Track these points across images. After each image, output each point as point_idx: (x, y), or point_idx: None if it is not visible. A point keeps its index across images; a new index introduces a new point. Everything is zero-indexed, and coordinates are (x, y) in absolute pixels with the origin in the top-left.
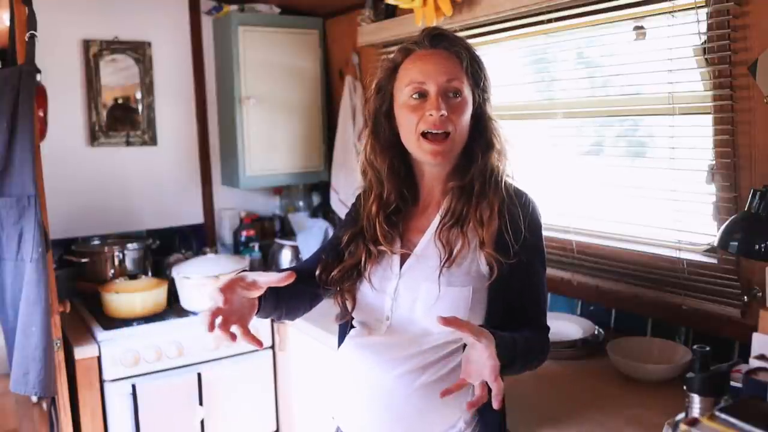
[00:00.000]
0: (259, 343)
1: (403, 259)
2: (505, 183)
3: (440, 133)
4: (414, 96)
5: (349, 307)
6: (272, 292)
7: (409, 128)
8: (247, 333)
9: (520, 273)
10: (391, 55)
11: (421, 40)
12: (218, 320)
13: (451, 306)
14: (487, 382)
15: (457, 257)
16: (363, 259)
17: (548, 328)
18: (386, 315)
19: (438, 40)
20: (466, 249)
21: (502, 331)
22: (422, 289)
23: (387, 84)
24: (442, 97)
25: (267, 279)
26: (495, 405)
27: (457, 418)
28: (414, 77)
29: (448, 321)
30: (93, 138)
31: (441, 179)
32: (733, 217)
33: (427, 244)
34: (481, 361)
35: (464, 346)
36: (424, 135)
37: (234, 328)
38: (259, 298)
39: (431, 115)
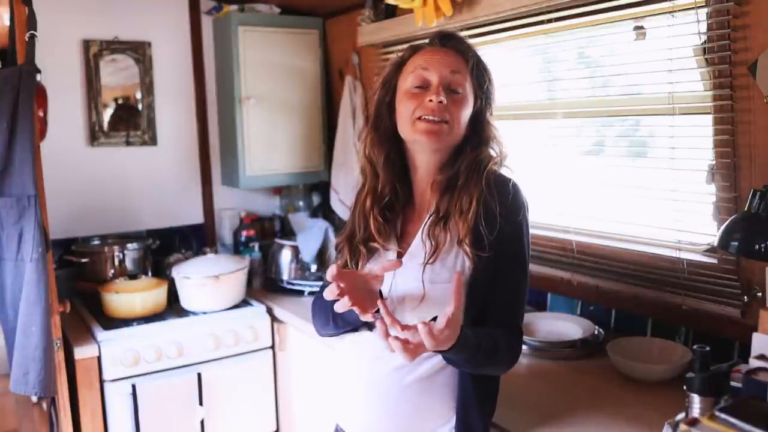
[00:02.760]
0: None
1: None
2: (488, 172)
3: (437, 120)
4: (416, 86)
5: None
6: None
7: (406, 114)
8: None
9: (495, 267)
10: (400, 53)
11: (432, 38)
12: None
13: (437, 302)
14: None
15: (440, 254)
16: (349, 259)
17: (521, 332)
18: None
19: (447, 39)
20: (450, 244)
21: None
22: (410, 287)
23: (392, 78)
24: (444, 88)
25: (380, 267)
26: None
27: (451, 415)
28: (419, 64)
29: (458, 283)
30: (93, 138)
31: (433, 174)
32: (733, 217)
33: (417, 243)
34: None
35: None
36: (419, 118)
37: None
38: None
39: (431, 101)
